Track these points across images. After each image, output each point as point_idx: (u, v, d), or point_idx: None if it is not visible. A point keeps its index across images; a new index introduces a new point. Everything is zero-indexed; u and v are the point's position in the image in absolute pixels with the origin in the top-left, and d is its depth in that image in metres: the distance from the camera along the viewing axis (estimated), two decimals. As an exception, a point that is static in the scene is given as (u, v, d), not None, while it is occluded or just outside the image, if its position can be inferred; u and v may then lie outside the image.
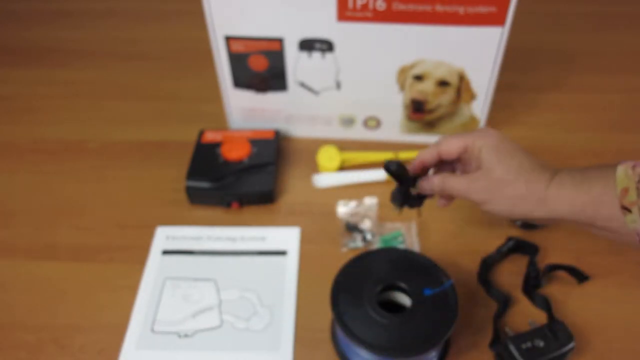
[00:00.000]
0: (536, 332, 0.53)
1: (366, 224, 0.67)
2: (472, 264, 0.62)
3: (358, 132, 0.78)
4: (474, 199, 0.48)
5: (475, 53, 0.67)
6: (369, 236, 0.65)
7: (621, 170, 0.41)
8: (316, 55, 0.69)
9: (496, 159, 0.47)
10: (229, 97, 0.76)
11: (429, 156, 0.51)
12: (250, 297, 0.61)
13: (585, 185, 0.43)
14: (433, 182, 0.51)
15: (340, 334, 0.52)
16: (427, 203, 0.56)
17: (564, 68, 0.91)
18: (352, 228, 0.66)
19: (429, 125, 0.76)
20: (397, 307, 0.54)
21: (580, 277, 0.60)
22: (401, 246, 0.65)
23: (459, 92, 0.71)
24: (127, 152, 0.78)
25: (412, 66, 0.69)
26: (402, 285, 0.53)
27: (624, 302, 0.59)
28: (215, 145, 0.73)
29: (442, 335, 0.49)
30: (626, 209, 0.40)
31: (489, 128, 0.49)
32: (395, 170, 0.50)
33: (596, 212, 0.42)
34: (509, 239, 0.64)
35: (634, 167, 0.41)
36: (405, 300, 0.53)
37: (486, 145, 0.48)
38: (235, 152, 0.71)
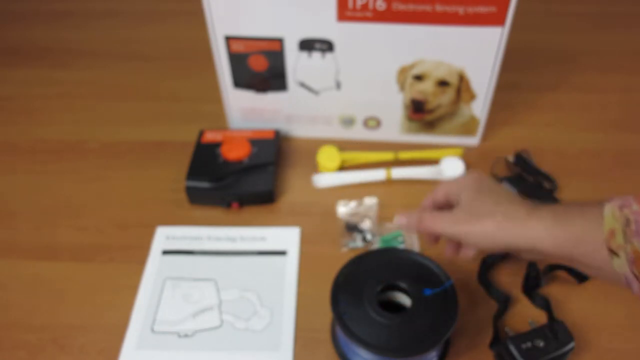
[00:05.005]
0: (536, 332, 0.53)
1: (366, 224, 0.67)
2: (472, 264, 0.62)
3: (358, 132, 0.78)
4: (454, 232, 0.48)
5: (475, 53, 0.67)
6: (369, 236, 0.65)
7: (608, 210, 0.40)
8: (316, 55, 0.69)
9: (474, 195, 0.48)
10: (229, 97, 0.76)
11: (427, 203, 0.54)
12: (250, 297, 0.61)
13: (567, 219, 0.42)
14: (411, 217, 0.51)
15: (341, 334, 0.52)
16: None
17: (564, 68, 0.91)
18: (352, 228, 0.66)
19: (429, 125, 0.76)
20: (397, 307, 0.54)
21: (580, 277, 0.60)
22: (401, 246, 0.65)
23: (459, 92, 0.71)
24: (127, 152, 0.78)
25: (412, 66, 0.69)
26: (402, 285, 0.53)
27: (624, 302, 0.59)
28: (215, 145, 0.73)
29: (442, 336, 0.49)
30: (613, 252, 0.39)
31: (472, 171, 0.51)
32: None
33: (577, 247, 0.41)
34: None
35: (621, 208, 0.39)
36: (405, 300, 0.53)
37: (465, 186, 0.50)
38: (235, 152, 0.71)
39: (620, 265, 0.39)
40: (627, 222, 0.38)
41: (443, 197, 0.52)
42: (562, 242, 0.42)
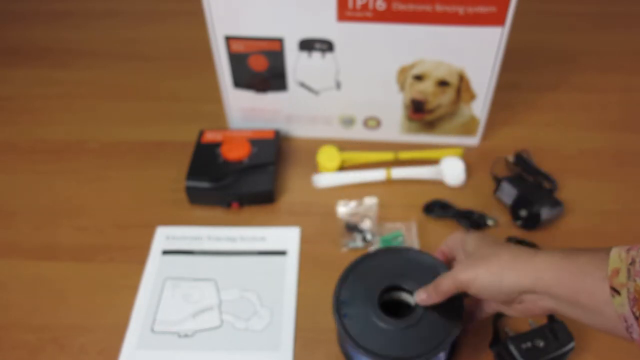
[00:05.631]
0: (536, 332, 0.53)
1: (366, 224, 0.67)
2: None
3: (358, 132, 0.78)
4: (462, 279, 0.47)
5: (475, 53, 0.67)
6: (369, 236, 0.65)
7: (615, 252, 0.40)
8: (316, 55, 0.69)
9: (479, 243, 0.49)
10: (229, 97, 0.76)
11: (439, 255, 0.55)
12: (250, 297, 0.61)
13: (574, 255, 0.42)
14: (428, 288, 0.50)
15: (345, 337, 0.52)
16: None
17: (564, 68, 0.91)
18: (352, 228, 0.66)
19: (429, 125, 0.76)
20: (402, 306, 0.54)
21: (580, 277, 0.60)
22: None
23: (459, 92, 0.71)
24: (127, 152, 0.78)
25: (412, 66, 0.69)
26: (407, 287, 0.53)
27: (624, 302, 0.59)
28: (215, 145, 0.73)
29: (448, 339, 0.49)
30: (615, 291, 0.38)
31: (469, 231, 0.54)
32: None
33: (580, 281, 0.41)
34: (509, 239, 0.64)
35: (628, 251, 0.39)
36: (410, 299, 0.53)
37: (468, 237, 0.50)
38: (235, 152, 0.71)
39: (621, 304, 0.38)
40: (632, 262, 0.38)
41: (448, 249, 0.54)
42: (566, 276, 0.42)
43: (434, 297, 0.49)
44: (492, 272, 0.45)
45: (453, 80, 0.70)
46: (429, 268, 0.53)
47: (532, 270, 0.43)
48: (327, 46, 0.68)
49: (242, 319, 0.59)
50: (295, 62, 0.70)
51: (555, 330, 0.53)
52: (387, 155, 0.75)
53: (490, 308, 0.51)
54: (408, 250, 0.57)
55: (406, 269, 0.54)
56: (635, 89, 0.87)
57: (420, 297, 0.50)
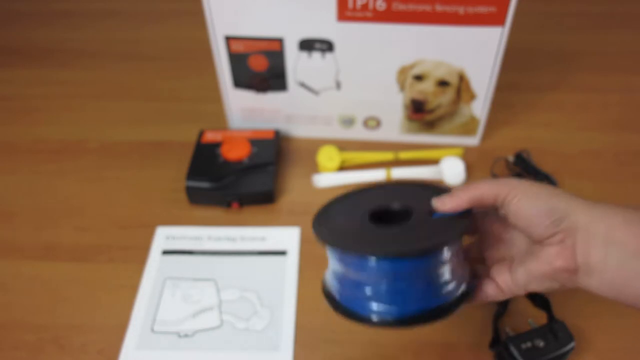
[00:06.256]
0: (536, 332, 0.53)
1: (366, 224, 0.66)
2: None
3: (358, 132, 0.78)
4: (506, 182, 0.41)
5: (475, 53, 0.67)
6: (369, 236, 0.65)
7: None
8: (316, 55, 0.69)
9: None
10: (229, 97, 0.76)
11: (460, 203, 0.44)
12: (250, 297, 0.61)
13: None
14: (456, 192, 0.43)
15: (338, 262, 0.43)
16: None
17: (564, 68, 0.91)
18: (352, 228, 0.66)
19: (429, 125, 0.76)
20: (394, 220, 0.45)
21: (580, 277, 0.60)
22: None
23: (459, 92, 0.71)
24: (127, 152, 0.78)
25: (412, 66, 0.69)
26: (403, 207, 0.44)
27: (624, 302, 0.59)
28: (215, 145, 0.73)
29: (459, 229, 0.41)
30: None
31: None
32: None
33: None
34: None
35: None
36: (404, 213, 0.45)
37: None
38: (235, 152, 0.71)
39: None
40: None
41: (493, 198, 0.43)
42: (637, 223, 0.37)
43: (460, 198, 0.42)
44: (547, 188, 0.41)
45: (453, 80, 0.70)
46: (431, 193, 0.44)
47: (600, 210, 0.39)
48: (327, 46, 0.68)
49: (242, 319, 0.59)
50: (295, 62, 0.71)
51: (555, 330, 0.53)
52: (387, 155, 0.75)
53: (506, 251, 0.45)
54: (414, 183, 0.48)
55: (404, 195, 0.46)
56: (635, 89, 0.87)
57: (442, 200, 0.42)
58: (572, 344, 0.52)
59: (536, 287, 0.42)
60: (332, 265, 0.45)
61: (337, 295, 0.44)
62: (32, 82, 0.91)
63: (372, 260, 0.40)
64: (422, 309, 0.40)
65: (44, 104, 0.87)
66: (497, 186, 0.42)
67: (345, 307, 0.42)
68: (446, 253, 0.41)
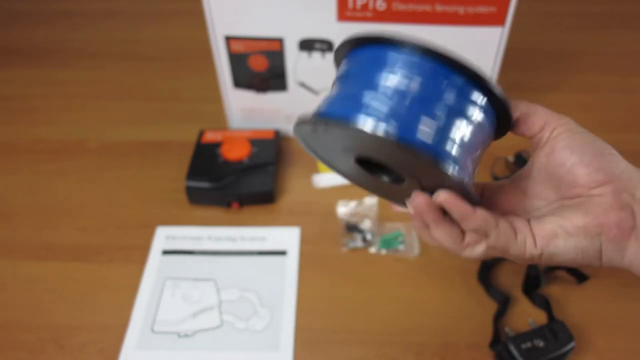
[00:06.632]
0: (536, 332, 0.53)
1: (366, 224, 0.67)
2: (472, 264, 0.62)
3: (358, 132, 0.78)
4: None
5: (475, 53, 0.67)
6: (369, 236, 0.65)
7: None
8: (316, 55, 0.69)
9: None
10: (229, 97, 0.76)
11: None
12: (250, 297, 0.61)
13: None
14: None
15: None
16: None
17: (564, 68, 0.91)
18: (352, 228, 0.66)
19: (429, 125, 0.76)
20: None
21: (580, 277, 0.60)
22: (401, 247, 0.64)
23: (459, 92, 0.71)
24: (127, 152, 0.78)
25: (412, 66, 0.69)
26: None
27: (624, 302, 0.59)
28: (215, 145, 0.73)
29: None
30: None
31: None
32: None
33: None
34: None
35: None
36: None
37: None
38: (235, 152, 0.71)
39: None
40: None
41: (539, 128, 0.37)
42: None
43: (514, 104, 0.36)
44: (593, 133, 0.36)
45: (453, 80, 0.70)
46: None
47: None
48: (327, 46, 0.68)
49: (242, 319, 0.59)
50: (295, 62, 0.71)
51: (555, 330, 0.53)
52: (387, 155, 0.75)
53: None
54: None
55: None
56: (635, 89, 0.87)
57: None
58: (572, 344, 0.52)
59: (562, 248, 0.35)
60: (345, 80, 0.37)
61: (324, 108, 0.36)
62: (32, 82, 0.91)
63: (416, 56, 0.34)
64: (424, 146, 0.33)
65: (44, 104, 0.87)
66: (552, 115, 0.36)
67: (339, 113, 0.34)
68: (482, 114, 0.35)
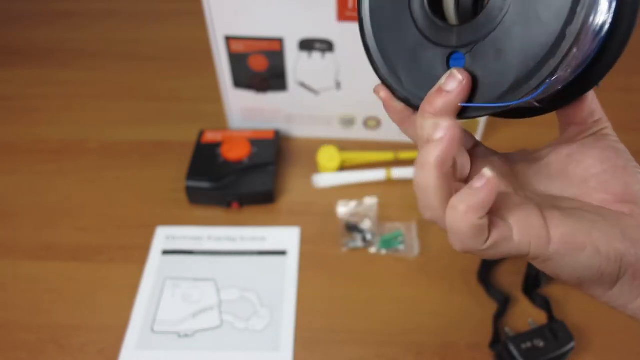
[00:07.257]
0: (536, 332, 0.53)
1: (366, 224, 0.67)
2: (472, 264, 0.62)
3: (358, 132, 0.78)
4: None
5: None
6: (369, 236, 0.65)
7: None
8: (316, 55, 0.69)
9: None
10: (229, 97, 0.76)
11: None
12: (250, 297, 0.61)
13: None
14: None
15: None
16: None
17: (564, 68, 0.91)
18: (352, 228, 0.66)
19: (429, 125, 0.76)
20: None
21: (580, 277, 0.60)
22: (401, 247, 0.64)
23: (459, 92, 0.71)
24: (127, 152, 0.78)
25: (412, 66, 0.69)
26: None
27: (624, 302, 0.59)
28: (215, 145, 0.73)
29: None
30: None
31: None
32: None
33: None
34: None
35: None
36: None
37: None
38: (235, 152, 0.71)
39: None
40: None
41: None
42: None
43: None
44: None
45: (453, 80, 0.70)
46: None
47: None
48: (327, 46, 0.68)
49: (242, 319, 0.59)
50: (295, 62, 0.71)
51: (555, 330, 0.53)
52: (387, 155, 0.75)
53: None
54: None
55: None
56: (635, 89, 0.87)
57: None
58: (572, 344, 0.52)
59: (584, 262, 0.28)
60: None
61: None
62: (32, 82, 0.91)
63: None
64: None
65: (44, 104, 0.87)
66: (600, 109, 0.33)
67: None
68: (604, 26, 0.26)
